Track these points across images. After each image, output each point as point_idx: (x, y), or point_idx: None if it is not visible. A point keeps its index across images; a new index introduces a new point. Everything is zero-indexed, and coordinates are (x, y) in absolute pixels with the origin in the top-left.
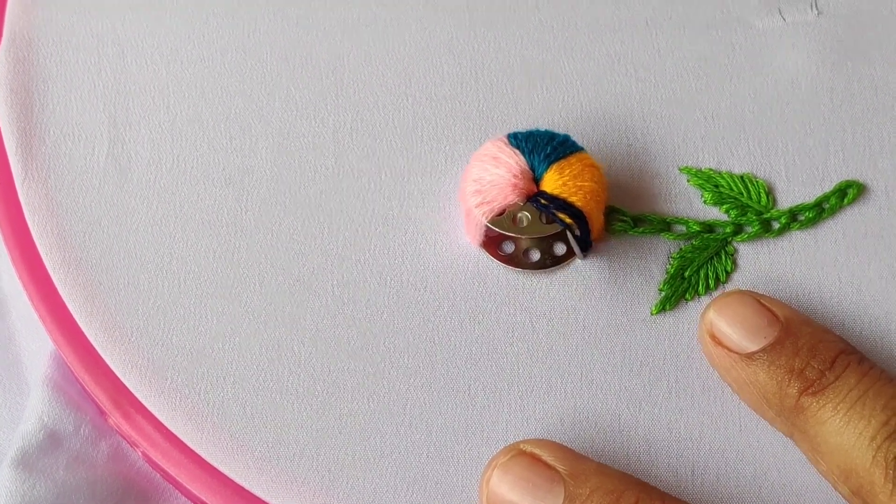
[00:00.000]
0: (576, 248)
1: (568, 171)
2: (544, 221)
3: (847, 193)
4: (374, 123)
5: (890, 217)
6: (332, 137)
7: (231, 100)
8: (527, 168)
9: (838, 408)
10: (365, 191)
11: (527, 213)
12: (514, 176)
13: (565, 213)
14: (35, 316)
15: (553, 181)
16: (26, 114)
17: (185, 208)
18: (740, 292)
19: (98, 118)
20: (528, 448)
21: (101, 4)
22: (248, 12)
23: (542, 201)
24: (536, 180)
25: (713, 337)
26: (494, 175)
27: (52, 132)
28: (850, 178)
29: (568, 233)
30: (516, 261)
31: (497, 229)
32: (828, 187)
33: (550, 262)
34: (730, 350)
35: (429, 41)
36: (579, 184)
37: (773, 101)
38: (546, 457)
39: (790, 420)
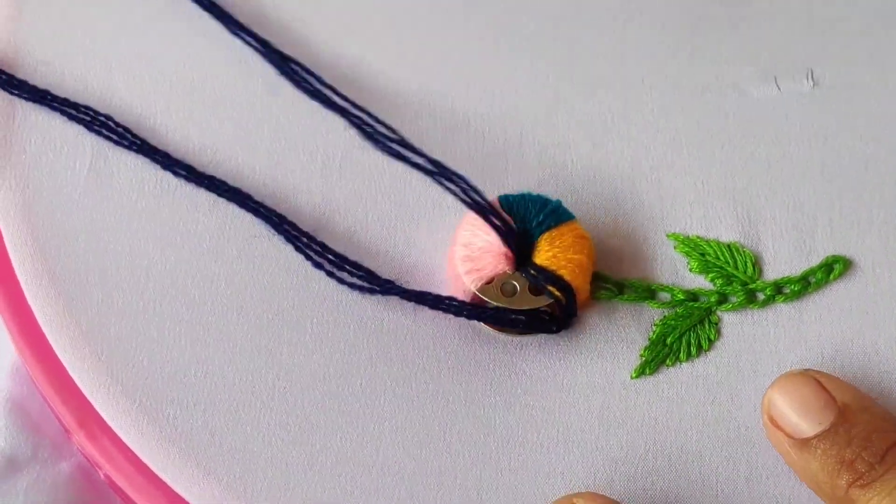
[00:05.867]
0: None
1: (559, 241)
2: (531, 291)
3: (833, 269)
4: (362, 164)
5: (875, 294)
6: (319, 173)
7: (220, 126)
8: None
9: (884, 502)
10: (350, 232)
11: (515, 283)
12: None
13: (555, 287)
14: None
15: (543, 251)
16: (7, 121)
17: (165, 231)
18: (802, 372)
19: (82, 132)
20: (580, 502)
21: (91, 19)
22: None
23: (532, 272)
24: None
25: (771, 418)
26: (485, 241)
27: (33, 142)
28: (836, 254)
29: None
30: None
31: (485, 297)
32: (814, 261)
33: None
34: (786, 434)
35: (421, 87)
36: (570, 256)
37: (763, 171)
38: None
39: None
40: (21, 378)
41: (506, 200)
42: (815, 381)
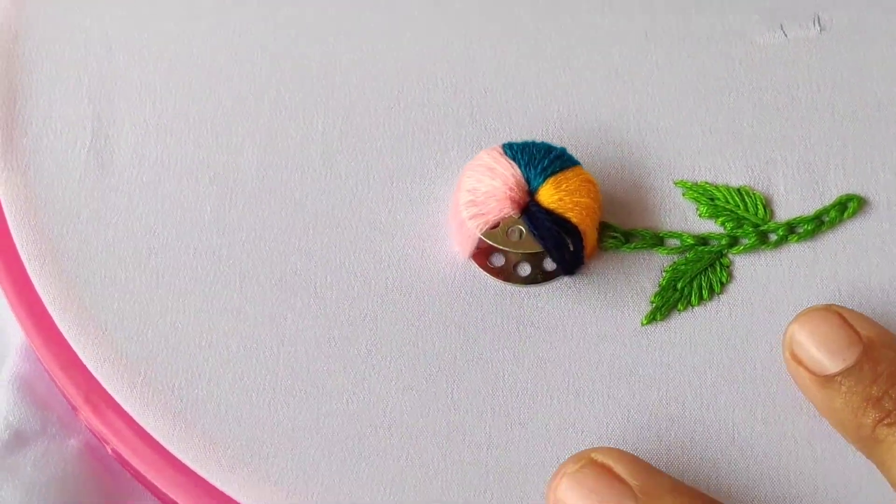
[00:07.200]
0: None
1: (564, 185)
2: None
3: (847, 207)
4: (364, 127)
5: (891, 231)
6: (320, 139)
7: (218, 99)
8: (522, 180)
9: None
10: (352, 194)
11: (520, 227)
12: (510, 188)
13: (562, 230)
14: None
15: (549, 195)
16: (8, 105)
17: (166, 204)
18: (825, 307)
19: (82, 112)
20: (600, 458)
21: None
22: (238, 12)
23: (539, 215)
24: (532, 193)
25: (793, 354)
26: (490, 186)
27: (34, 124)
28: (850, 192)
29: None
30: (506, 274)
31: (490, 242)
32: (827, 201)
33: (541, 277)
34: (808, 370)
35: (423, 46)
36: (576, 199)
37: (772, 116)
38: (619, 468)
39: (867, 449)
40: (31, 356)
41: (510, 147)
42: (839, 316)
